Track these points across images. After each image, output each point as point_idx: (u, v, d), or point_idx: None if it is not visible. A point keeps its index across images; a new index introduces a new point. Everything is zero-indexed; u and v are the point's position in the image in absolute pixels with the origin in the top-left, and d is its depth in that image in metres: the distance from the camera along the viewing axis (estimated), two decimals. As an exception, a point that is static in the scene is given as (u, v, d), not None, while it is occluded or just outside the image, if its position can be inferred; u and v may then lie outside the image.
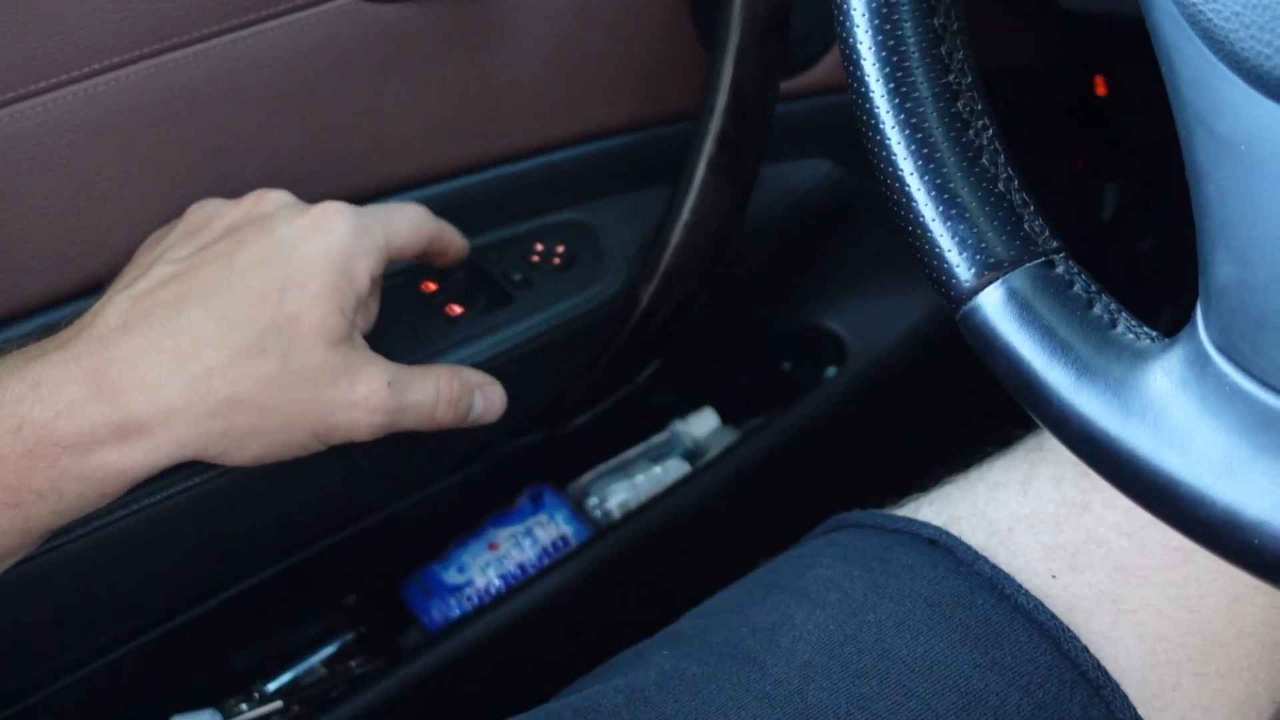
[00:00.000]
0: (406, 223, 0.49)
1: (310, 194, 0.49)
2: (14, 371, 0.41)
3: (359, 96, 0.52)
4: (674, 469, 0.73)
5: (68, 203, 0.48)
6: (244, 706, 0.62)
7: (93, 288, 0.49)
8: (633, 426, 0.76)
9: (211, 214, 0.47)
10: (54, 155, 0.47)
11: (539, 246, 0.60)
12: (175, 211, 0.49)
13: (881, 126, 0.37)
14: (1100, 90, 0.83)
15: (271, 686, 0.64)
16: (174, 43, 0.47)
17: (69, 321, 0.44)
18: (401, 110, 0.54)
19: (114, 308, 0.44)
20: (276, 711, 0.62)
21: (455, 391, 0.49)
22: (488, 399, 0.51)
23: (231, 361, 0.42)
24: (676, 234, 0.57)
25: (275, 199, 0.47)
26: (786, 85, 0.64)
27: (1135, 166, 0.86)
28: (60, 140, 0.47)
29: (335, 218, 0.46)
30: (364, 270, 0.46)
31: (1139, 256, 0.88)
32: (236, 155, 0.51)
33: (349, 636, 0.67)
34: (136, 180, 0.49)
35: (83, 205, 0.48)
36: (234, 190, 0.49)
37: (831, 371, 0.79)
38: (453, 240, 0.53)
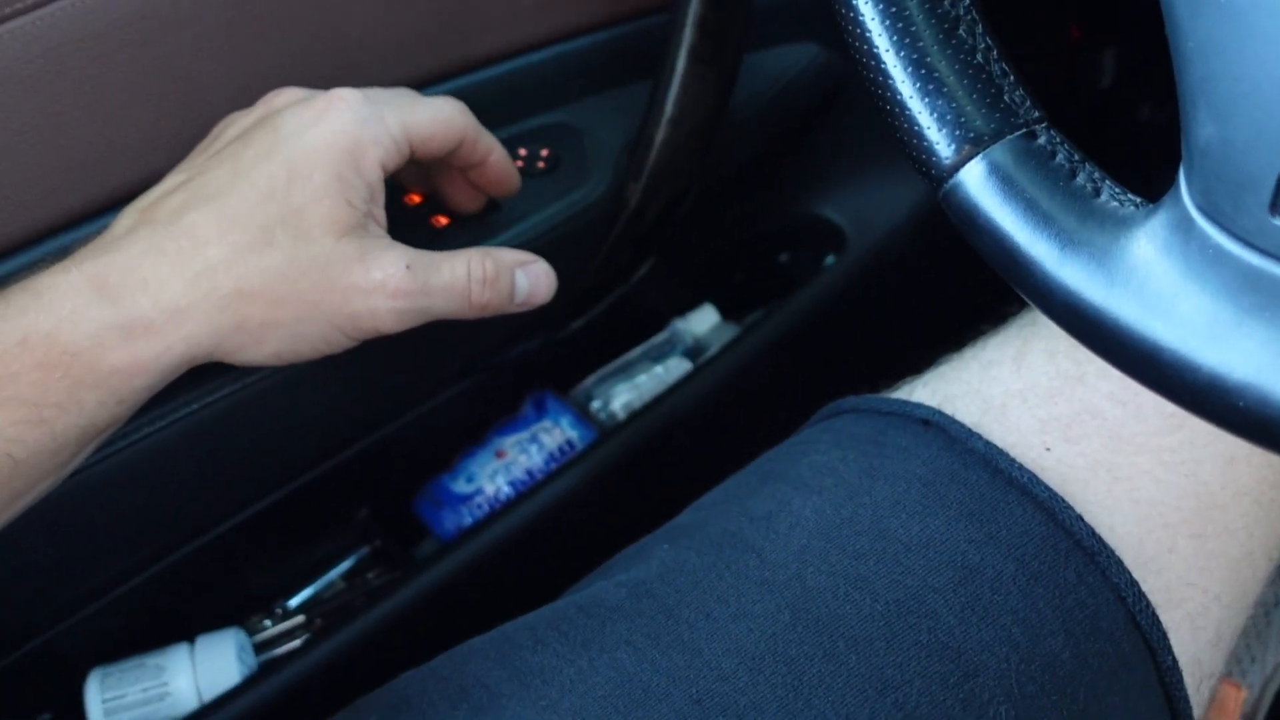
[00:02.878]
0: (431, 114, 0.46)
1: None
2: (20, 286, 0.40)
3: (324, 9, 0.51)
4: (676, 367, 0.73)
5: (32, 138, 0.47)
6: (267, 623, 0.64)
7: (68, 224, 0.48)
8: (633, 327, 0.76)
9: (227, 124, 0.47)
10: (14, 88, 0.46)
11: (522, 151, 0.59)
12: (144, 142, 0.48)
13: (855, 2, 0.36)
14: (1096, -49, 0.81)
15: (293, 602, 0.66)
16: (126, -37, 0.46)
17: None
18: (367, 20, 0.52)
19: (123, 218, 0.43)
20: (299, 626, 0.64)
21: (490, 271, 0.46)
22: (533, 277, 0.48)
23: (235, 256, 0.41)
24: (661, 130, 0.56)
25: (286, 96, 0.46)
26: (767, -34, 0.62)
27: (1133, 31, 0.83)
28: (20, 72, 0.46)
29: (340, 105, 0.44)
30: (374, 160, 0.44)
31: (1139, 123, 0.86)
32: (197, 79, 0.50)
33: (365, 551, 0.68)
34: (103, 109, 0.48)
35: (47, 139, 0.47)
36: (197, 115, 0.48)
37: (830, 260, 0.78)
38: (492, 148, 0.50)
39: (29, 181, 0.48)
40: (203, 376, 0.52)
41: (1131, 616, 0.40)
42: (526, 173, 0.58)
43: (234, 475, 0.58)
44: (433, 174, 0.53)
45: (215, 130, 0.47)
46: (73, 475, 0.43)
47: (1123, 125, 0.86)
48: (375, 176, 0.44)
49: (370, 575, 0.67)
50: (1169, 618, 0.41)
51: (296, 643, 0.63)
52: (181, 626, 0.62)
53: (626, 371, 0.73)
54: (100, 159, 0.49)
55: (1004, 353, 0.45)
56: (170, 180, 0.44)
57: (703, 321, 0.76)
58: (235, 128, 0.45)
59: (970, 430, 0.42)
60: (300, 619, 0.64)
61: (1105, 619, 0.40)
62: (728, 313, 0.78)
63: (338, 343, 0.44)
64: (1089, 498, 0.41)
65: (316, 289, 0.42)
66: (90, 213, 0.50)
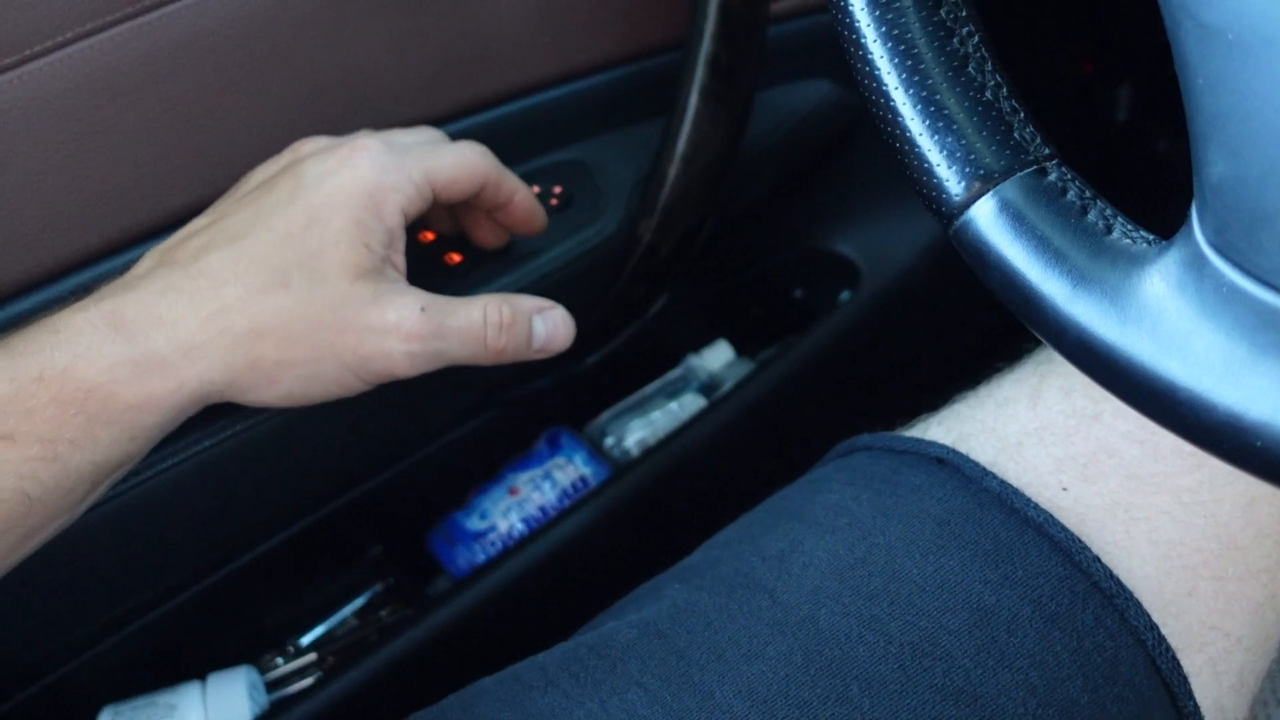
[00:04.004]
0: (453, 160, 0.47)
1: (296, 151, 0.48)
2: (39, 323, 0.41)
3: (338, 48, 0.52)
4: (690, 404, 0.73)
5: (52, 177, 0.48)
6: (279, 661, 0.64)
7: (87, 261, 0.49)
8: (647, 363, 0.76)
9: (254, 172, 0.47)
10: (34, 129, 0.47)
11: (535, 188, 0.59)
12: (159, 180, 0.49)
13: (863, 40, 0.36)
14: (1109, -12, 0.81)
15: (305, 640, 0.66)
16: (143, 6, 0.47)
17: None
18: (383, 60, 0.53)
19: (145, 260, 0.44)
20: (311, 664, 0.64)
21: (507, 316, 0.46)
22: (551, 324, 0.48)
23: (250, 296, 0.42)
24: (674, 167, 0.56)
25: (311, 145, 0.47)
26: (779, 5, 0.63)
27: (1148, 66, 0.83)
28: (40, 113, 0.47)
29: (362, 153, 0.44)
30: (394, 206, 0.44)
31: (1157, 156, 0.86)
32: (217, 117, 0.50)
33: (378, 588, 0.68)
34: (118, 148, 0.49)
35: (68, 177, 0.48)
36: (213, 153, 0.48)
37: (845, 296, 0.78)
38: (516, 189, 0.50)
39: (49, 218, 0.48)
40: (215, 414, 0.52)
41: (1151, 660, 0.39)
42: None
43: (247, 512, 0.59)
44: (458, 214, 0.53)
45: (242, 179, 0.47)
46: (86, 512, 0.43)
47: (1140, 159, 0.86)
48: (395, 222, 0.45)
49: (383, 613, 0.66)
50: (1190, 662, 0.40)
51: (308, 681, 0.63)
52: (193, 664, 0.62)
53: (641, 408, 0.73)
54: (118, 196, 0.50)
55: (1019, 390, 0.44)
56: (193, 224, 0.45)
57: (717, 358, 0.76)
58: (260, 174, 0.46)
59: (985, 469, 0.42)
60: (312, 657, 0.64)
61: (1124, 663, 0.39)
62: (742, 348, 0.78)
63: (350, 385, 0.44)
64: (1107, 539, 0.40)
65: (330, 330, 0.42)
66: (109, 250, 0.50)
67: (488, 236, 0.53)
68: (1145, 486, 0.41)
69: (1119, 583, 0.39)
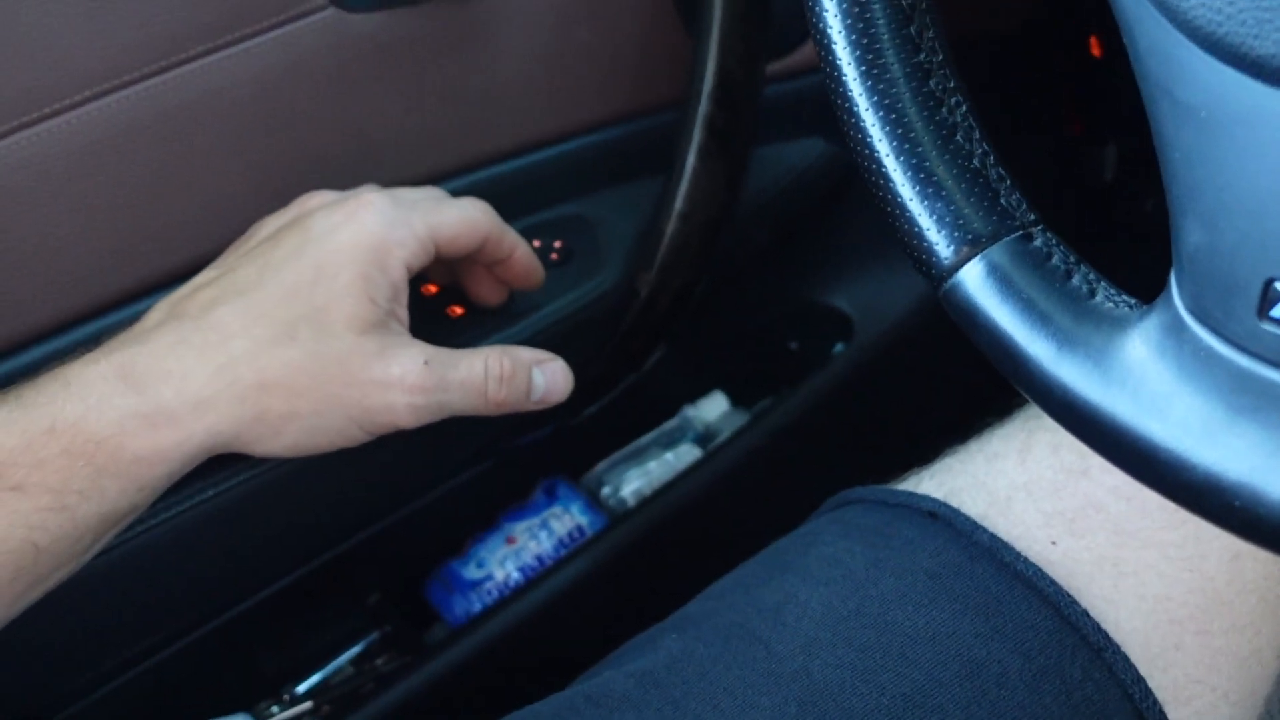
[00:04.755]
0: (456, 215, 0.48)
1: (303, 207, 0.49)
2: (50, 374, 0.42)
3: (345, 108, 0.53)
4: (686, 454, 0.73)
5: (66, 230, 0.49)
6: (275, 709, 0.64)
7: (97, 312, 0.50)
8: (644, 414, 0.76)
9: (260, 225, 0.48)
10: (51, 184, 0.48)
11: (535, 243, 0.60)
12: (170, 233, 0.50)
13: (856, 109, 0.37)
14: (1095, 51, 0.83)
15: (301, 688, 0.66)
16: (159, 66, 0.48)
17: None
18: (388, 118, 0.55)
19: (155, 312, 0.45)
20: (307, 712, 0.64)
21: (507, 369, 0.47)
22: (550, 375, 0.49)
23: (258, 350, 0.43)
24: (671, 224, 0.58)
25: (318, 199, 0.48)
26: (775, 66, 0.64)
27: (1135, 127, 0.85)
28: (57, 168, 0.48)
29: (368, 209, 0.45)
30: (398, 260, 0.45)
31: (1143, 215, 0.88)
32: (226, 174, 0.52)
33: (375, 636, 0.68)
34: (131, 203, 0.50)
35: (80, 231, 0.49)
36: (222, 208, 0.50)
37: (839, 348, 0.79)
38: (516, 245, 0.51)
39: (62, 270, 0.49)
40: (218, 464, 0.53)
41: (1139, 714, 0.40)
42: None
43: (247, 560, 0.59)
44: (457, 269, 0.54)
45: (249, 231, 0.49)
46: (90, 560, 0.43)
47: (1126, 217, 0.87)
48: (399, 276, 0.46)
49: (380, 661, 0.67)
50: (1176, 715, 0.40)
51: (304, 729, 0.63)
52: (191, 711, 0.62)
53: (637, 458, 0.73)
54: (130, 249, 0.51)
55: (1009, 445, 0.45)
56: (202, 277, 0.46)
57: (713, 408, 0.77)
58: (267, 228, 0.47)
59: (976, 523, 0.43)
60: (308, 705, 0.64)
61: (1113, 716, 0.39)
62: (738, 400, 0.79)
63: (354, 436, 0.45)
64: (1095, 592, 0.41)
65: (335, 382, 0.43)
66: (119, 301, 0.51)
67: (486, 292, 0.55)
68: (1132, 541, 0.41)
69: (1107, 636, 0.40)
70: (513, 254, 0.51)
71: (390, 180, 0.53)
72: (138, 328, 0.44)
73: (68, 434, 0.40)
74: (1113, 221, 0.86)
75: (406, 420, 0.45)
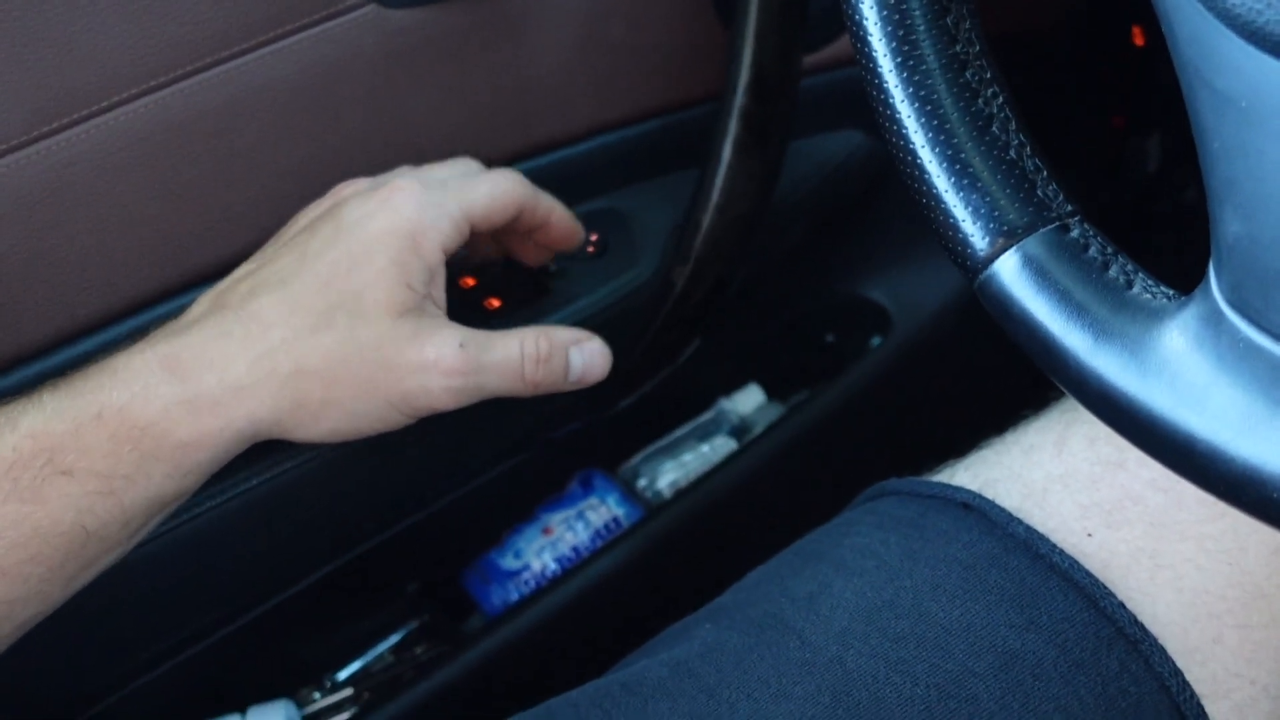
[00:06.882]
0: (487, 190, 0.48)
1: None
2: (98, 364, 0.43)
3: (386, 102, 0.54)
4: (721, 446, 0.74)
5: (113, 226, 0.50)
6: (316, 695, 0.65)
7: (146, 304, 0.51)
8: (680, 406, 0.77)
9: (299, 216, 0.49)
10: (100, 181, 0.49)
11: (574, 235, 0.61)
12: (214, 228, 0.51)
13: (892, 100, 0.37)
14: (1138, 40, 0.82)
15: (342, 675, 0.67)
16: (202, 64, 0.49)
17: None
18: (428, 112, 0.55)
19: (198, 304, 0.46)
20: (348, 699, 0.65)
21: (544, 350, 0.47)
22: (588, 355, 0.49)
23: (296, 338, 0.43)
24: (707, 217, 0.58)
25: (352, 187, 0.48)
26: (812, 59, 0.64)
27: (1179, 117, 0.84)
28: (105, 165, 0.49)
29: (401, 194, 0.46)
30: (434, 243, 0.46)
31: (1186, 206, 0.87)
32: (270, 168, 0.52)
33: (414, 625, 0.69)
34: (176, 199, 0.51)
35: (127, 227, 0.50)
36: (266, 202, 0.50)
37: (876, 341, 0.79)
38: (552, 209, 0.51)
39: (110, 265, 0.51)
40: (262, 453, 0.54)
41: (1176, 707, 0.39)
42: (576, 256, 0.60)
43: (289, 548, 0.60)
44: (500, 239, 0.55)
45: (289, 222, 0.50)
46: (136, 547, 0.44)
47: (1169, 208, 0.86)
48: (435, 259, 0.46)
49: (419, 649, 0.68)
50: (1215, 709, 0.40)
51: (345, 716, 0.64)
52: (233, 697, 0.63)
53: (673, 450, 0.74)
54: (175, 243, 0.52)
55: (1045, 437, 0.45)
56: (243, 269, 0.47)
57: (748, 401, 0.77)
58: (305, 219, 0.48)
59: (1011, 515, 0.43)
60: (349, 692, 0.65)
61: (1149, 710, 0.39)
62: (773, 392, 0.79)
63: (393, 420, 0.45)
64: (1131, 585, 0.41)
65: (372, 367, 0.44)
66: (166, 294, 0.52)
67: (530, 256, 0.55)
68: (1170, 534, 0.41)
69: (1144, 629, 0.40)
70: (550, 218, 0.52)
71: (428, 171, 0.53)
72: (182, 319, 0.45)
73: (114, 420, 0.41)
74: (1156, 212, 0.85)
75: (444, 403, 0.45)
